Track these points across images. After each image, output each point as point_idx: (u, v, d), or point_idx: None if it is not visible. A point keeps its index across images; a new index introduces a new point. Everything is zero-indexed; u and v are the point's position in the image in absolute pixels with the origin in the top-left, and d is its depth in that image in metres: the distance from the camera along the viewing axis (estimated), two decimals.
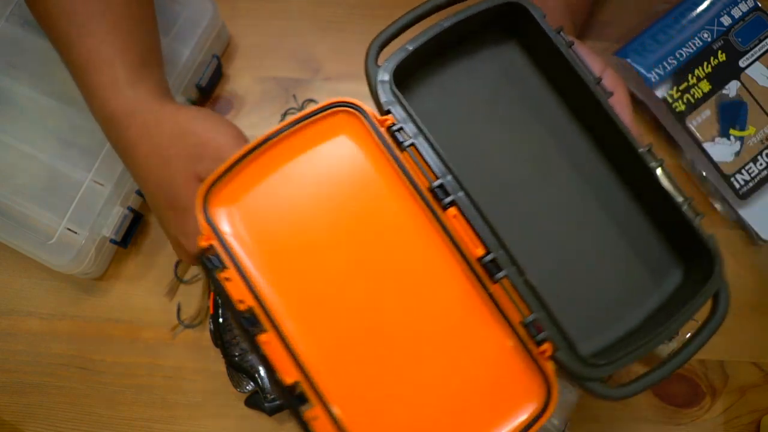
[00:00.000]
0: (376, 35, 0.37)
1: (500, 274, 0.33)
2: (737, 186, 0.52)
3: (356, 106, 0.36)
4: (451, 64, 0.41)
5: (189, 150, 0.38)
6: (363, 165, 0.35)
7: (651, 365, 0.52)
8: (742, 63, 0.53)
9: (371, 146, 0.35)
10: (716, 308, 0.35)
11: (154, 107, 0.39)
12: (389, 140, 0.35)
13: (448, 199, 0.34)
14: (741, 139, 0.52)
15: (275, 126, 0.36)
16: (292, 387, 0.31)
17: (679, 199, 0.36)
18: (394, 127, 0.35)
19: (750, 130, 0.52)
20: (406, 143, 0.35)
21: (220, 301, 0.51)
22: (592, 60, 0.41)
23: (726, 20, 0.53)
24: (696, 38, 0.53)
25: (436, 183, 0.34)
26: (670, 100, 0.53)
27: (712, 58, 0.53)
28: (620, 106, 0.40)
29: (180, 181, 0.38)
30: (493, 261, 0.33)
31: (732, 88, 0.53)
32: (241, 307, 0.32)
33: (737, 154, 0.52)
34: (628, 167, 0.38)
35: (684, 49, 0.53)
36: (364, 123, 0.35)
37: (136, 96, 0.39)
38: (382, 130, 0.35)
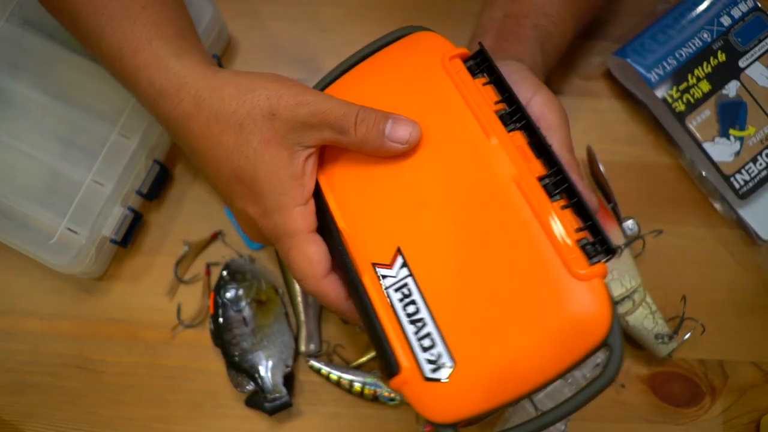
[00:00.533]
0: (318, 81, 0.39)
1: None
2: (737, 186, 0.52)
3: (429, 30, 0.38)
4: None
5: (262, 107, 0.34)
6: (446, 87, 0.35)
7: (650, 365, 0.52)
8: (741, 63, 0.53)
9: (452, 71, 0.35)
10: (607, 366, 0.31)
11: (207, 74, 0.36)
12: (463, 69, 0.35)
13: (514, 125, 0.34)
14: (741, 139, 0.52)
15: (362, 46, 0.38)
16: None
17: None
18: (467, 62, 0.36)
19: (750, 130, 0.52)
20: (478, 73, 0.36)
21: (220, 301, 0.51)
22: (521, 84, 0.37)
23: (726, 20, 0.53)
24: (696, 38, 0.53)
25: (505, 110, 0.34)
26: (670, 100, 0.53)
27: (711, 58, 0.53)
28: (552, 134, 0.36)
29: (255, 145, 0.34)
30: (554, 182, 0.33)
31: (732, 88, 0.53)
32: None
33: (737, 154, 0.52)
34: None
35: (684, 49, 0.53)
36: (445, 47, 0.36)
37: (183, 67, 0.36)
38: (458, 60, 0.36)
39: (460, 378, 0.31)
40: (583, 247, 0.31)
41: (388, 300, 0.33)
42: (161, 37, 0.37)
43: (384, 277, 0.33)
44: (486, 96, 0.34)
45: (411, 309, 0.32)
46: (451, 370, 0.31)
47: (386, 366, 0.32)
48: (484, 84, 0.35)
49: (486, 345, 0.31)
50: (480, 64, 0.36)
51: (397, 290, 0.33)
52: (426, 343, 0.31)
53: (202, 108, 0.36)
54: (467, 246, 0.32)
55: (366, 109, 0.34)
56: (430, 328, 0.32)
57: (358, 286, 0.33)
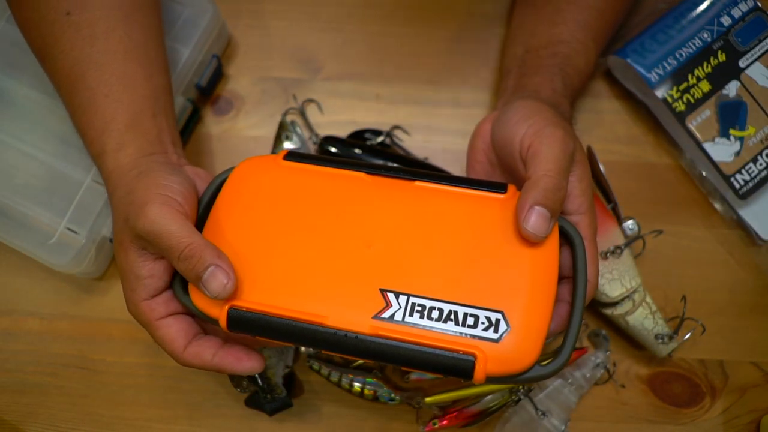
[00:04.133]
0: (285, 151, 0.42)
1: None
2: (737, 186, 0.52)
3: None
4: None
5: (124, 212, 0.38)
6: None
7: (650, 365, 0.52)
8: (741, 63, 0.53)
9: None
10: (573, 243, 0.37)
11: (123, 171, 0.40)
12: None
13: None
14: (741, 139, 0.52)
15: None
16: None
17: None
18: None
19: (750, 130, 0.52)
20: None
21: None
22: (517, 120, 0.40)
23: (726, 20, 0.53)
24: (696, 38, 0.53)
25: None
26: (670, 100, 0.53)
27: (712, 58, 0.53)
28: (534, 159, 0.37)
29: (117, 245, 0.39)
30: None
31: (732, 88, 0.53)
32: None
33: (737, 154, 0.52)
34: None
35: (684, 49, 0.53)
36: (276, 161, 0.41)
37: (114, 162, 0.41)
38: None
39: (517, 316, 0.33)
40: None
41: (415, 325, 0.34)
42: (111, 130, 0.41)
43: (392, 317, 0.34)
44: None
45: (435, 314, 0.34)
46: (503, 317, 0.33)
47: (464, 371, 0.33)
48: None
49: (497, 287, 0.34)
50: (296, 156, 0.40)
51: (411, 314, 0.34)
52: (470, 321, 0.33)
53: (110, 201, 0.41)
54: (428, 246, 0.36)
55: (194, 248, 0.34)
56: (459, 309, 0.34)
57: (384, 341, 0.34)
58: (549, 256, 0.35)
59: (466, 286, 0.34)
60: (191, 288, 0.37)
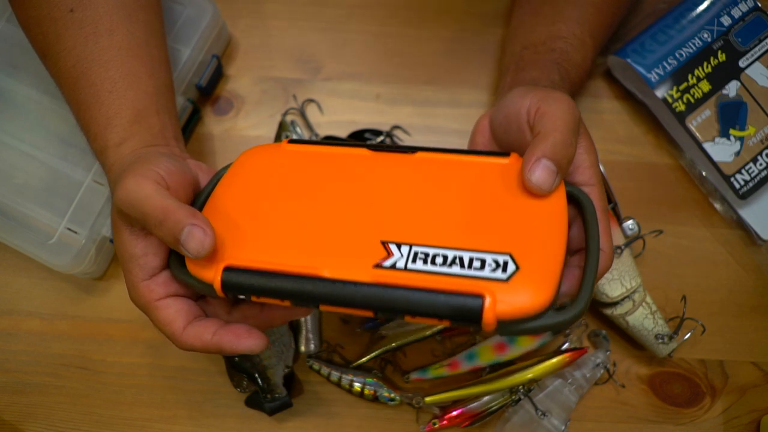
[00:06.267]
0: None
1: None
2: (737, 186, 0.52)
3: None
4: None
5: (113, 192, 0.38)
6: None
7: (650, 365, 0.52)
8: (741, 63, 0.53)
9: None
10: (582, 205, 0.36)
11: (124, 163, 0.40)
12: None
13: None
14: (741, 139, 0.52)
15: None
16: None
17: None
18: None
19: (750, 130, 0.52)
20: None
21: None
22: (522, 97, 0.39)
23: (726, 20, 0.53)
24: (696, 38, 0.53)
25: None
26: (670, 100, 0.53)
27: (712, 58, 0.53)
28: (540, 134, 0.36)
29: (112, 227, 0.38)
30: None
31: (732, 88, 0.53)
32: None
33: (737, 154, 0.52)
34: None
35: (684, 49, 0.53)
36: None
37: (115, 155, 0.41)
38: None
39: (526, 258, 0.31)
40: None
41: (418, 270, 0.32)
42: (115, 126, 0.41)
43: (394, 265, 0.32)
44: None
45: (439, 260, 0.32)
46: (511, 258, 0.31)
47: (472, 314, 0.30)
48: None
49: (504, 232, 0.33)
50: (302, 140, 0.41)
51: (414, 261, 0.32)
52: (476, 264, 0.31)
53: (111, 193, 0.40)
54: (431, 205, 0.35)
55: (167, 211, 0.34)
56: (464, 254, 0.32)
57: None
58: (557, 209, 0.34)
59: (471, 234, 0.33)
60: (187, 260, 0.36)
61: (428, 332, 0.49)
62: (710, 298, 0.53)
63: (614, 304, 0.49)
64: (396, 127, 0.57)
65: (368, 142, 0.56)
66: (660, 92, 0.53)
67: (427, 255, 0.32)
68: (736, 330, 0.53)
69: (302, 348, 0.51)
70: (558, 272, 0.31)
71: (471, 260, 0.31)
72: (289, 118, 0.57)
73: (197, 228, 0.33)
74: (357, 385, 0.50)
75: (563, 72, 0.47)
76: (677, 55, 0.53)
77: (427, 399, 0.49)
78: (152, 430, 0.52)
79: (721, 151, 0.52)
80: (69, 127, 0.51)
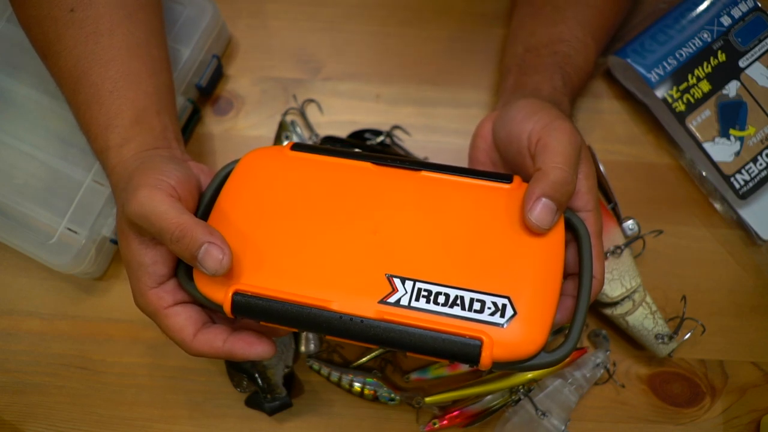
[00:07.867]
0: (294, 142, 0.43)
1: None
2: (737, 186, 0.52)
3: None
4: None
5: (120, 201, 0.38)
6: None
7: (650, 365, 0.52)
8: (741, 63, 0.53)
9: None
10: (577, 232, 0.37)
11: (128, 166, 0.40)
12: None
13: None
14: (741, 139, 0.52)
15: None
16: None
17: None
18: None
19: (750, 130, 0.52)
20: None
21: None
22: (523, 117, 0.40)
23: (726, 20, 0.53)
24: (696, 38, 0.53)
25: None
26: (670, 100, 0.53)
27: (712, 58, 0.53)
28: (542, 153, 0.37)
29: (119, 235, 0.38)
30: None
31: (732, 88, 0.53)
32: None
33: (737, 154, 0.52)
34: None
35: (684, 49, 0.53)
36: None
37: (119, 157, 0.41)
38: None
39: (523, 302, 0.33)
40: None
41: (421, 309, 0.33)
42: (116, 126, 0.41)
43: (398, 301, 0.34)
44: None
45: (441, 299, 0.33)
46: (509, 303, 0.33)
47: (470, 356, 0.32)
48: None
49: (503, 273, 0.34)
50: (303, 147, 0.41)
51: (418, 299, 0.34)
52: (477, 306, 0.33)
53: (114, 195, 0.41)
54: (434, 233, 0.36)
55: (184, 228, 0.34)
56: (465, 294, 0.33)
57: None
58: (555, 245, 0.35)
59: (473, 272, 0.34)
60: (195, 275, 0.36)
61: None
62: (710, 298, 0.53)
63: (614, 304, 0.49)
64: (396, 127, 0.57)
65: (369, 143, 0.55)
66: (660, 92, 0.53)
67: (429, 293, 0.34)
68: (736, 330, 0.53)
69: (302, 348, 0.51)
70: (552, 314, 0.33)
71: (472, 301, 0.33)
72: (289, 118, 0.57)
73: (215, 247, 0.34)
74: (357, 385, 0.50)
75: (566, 76, 0.47)
76: (677, 55, 0.53)
77: (427, 399, 0.49)
78: (152, 430, 0.51)
79: (721, 151, 0.52)
80: (69, 127, 0.51)
